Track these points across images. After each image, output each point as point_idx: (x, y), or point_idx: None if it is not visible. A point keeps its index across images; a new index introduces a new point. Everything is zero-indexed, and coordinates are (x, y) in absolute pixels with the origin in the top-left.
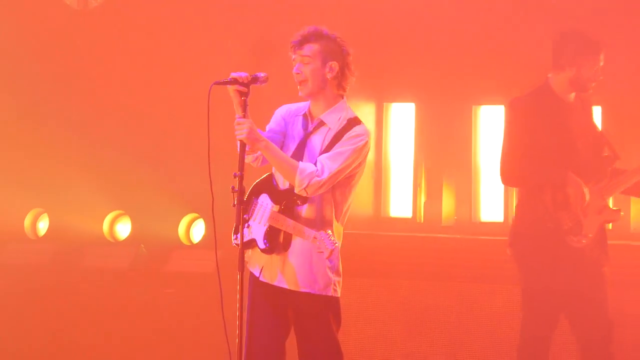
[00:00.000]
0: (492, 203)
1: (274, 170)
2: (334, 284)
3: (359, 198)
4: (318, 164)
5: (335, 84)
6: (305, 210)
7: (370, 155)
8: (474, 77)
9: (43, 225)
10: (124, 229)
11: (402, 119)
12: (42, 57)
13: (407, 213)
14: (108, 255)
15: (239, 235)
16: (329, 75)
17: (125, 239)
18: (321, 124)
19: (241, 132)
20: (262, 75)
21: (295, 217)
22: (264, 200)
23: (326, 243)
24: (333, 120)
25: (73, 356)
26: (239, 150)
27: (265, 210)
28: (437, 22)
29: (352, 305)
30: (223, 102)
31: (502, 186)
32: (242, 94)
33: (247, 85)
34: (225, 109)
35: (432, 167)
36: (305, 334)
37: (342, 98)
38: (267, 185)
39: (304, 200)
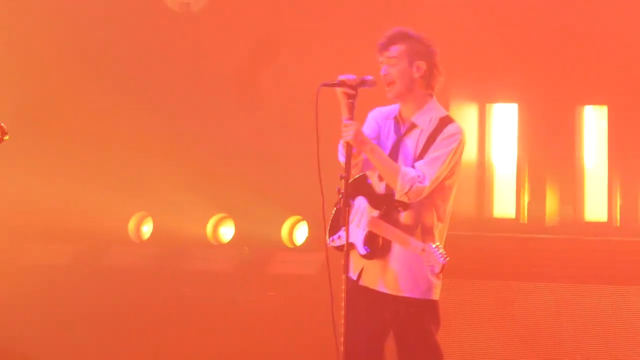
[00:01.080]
0: (596, 203)
1: (368, 172)
2: (435, 287)
3: (463, 199)
4: (417, 170)
5: (423, 84)
6: (404, 216)
7: (474, 156)
8: (577, 77)
9: (147, 229)
10: (227, 231)
11: (505, 119)
12: (136, 61)
13: (510, 213)
14: (212, 258)
15: (335, 237)
16: (416, 75)
17: (229, 241)
18: (413, 126)
19: (348, 134)
20: (369, 78)
21: (395, 222)
22: (361, 203)
23: (437, 257)
24: (424, 121)
25: (179, 358)
26: (344, 152)
27: (363, 214)
28: (539, 20)
29: (456, 307)
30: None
31: (605, 185)
32: (349, 96)
33: (354, 87)
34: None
35: (536, 167)
36: (406, 337)
37: (432, 97)
38: (364, 188)
39: (405, 206)
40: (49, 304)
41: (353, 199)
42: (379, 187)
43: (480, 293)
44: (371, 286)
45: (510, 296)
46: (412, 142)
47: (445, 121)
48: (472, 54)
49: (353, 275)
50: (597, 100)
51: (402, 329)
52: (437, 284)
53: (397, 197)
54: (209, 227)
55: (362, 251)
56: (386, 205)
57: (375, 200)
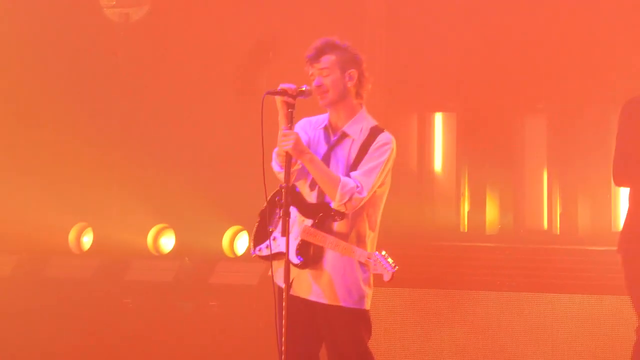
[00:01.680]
0: (536, 211)
1: (297, 182)
2: (367, 297)
3: (404, 208)
4: (355, 180)
5: (354, 92)
6: (338, 226)
7: (414, 165)
8: (516, 86)
9: (87, 240)
10: (168, 242)
11: (444, 128)
12: (81, 72)
13: (451, 222)
14: (152, 268)
15: (263, 247)
16: (349, 84)
17: (170, 252)
18: (344, 135)
19: (288, 144)
20: (306, 88)
21: (328, 232)
22: (291, 212)
23: (385, 266)
24: (356, 130)
25: None
26: (279, 161)
27: (293, 224)
28: (480, 30)
29: (397, 316)
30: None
31: (545, 194)
32: (289, 105)
33: (294, 97)
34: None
35: (475, 176)
36: (338, 346)
37: (362, 107)
38: (293, 198)
39: (342, 216)
40: None
41: (281, 209)
42: (310, 197)
43: (420, 302)
44: (303, 295)
45: (451, 305)
46: (344, 152)
47: (376, 131)
48: (412, 63)
49: (283, 284)
50: (535, 108)
51: (334, 338)
52: (369, 293)
53: (335, 206)
54: (150, 238)
55: (296, 260)
56: (322, 213)
57: (307, 209)
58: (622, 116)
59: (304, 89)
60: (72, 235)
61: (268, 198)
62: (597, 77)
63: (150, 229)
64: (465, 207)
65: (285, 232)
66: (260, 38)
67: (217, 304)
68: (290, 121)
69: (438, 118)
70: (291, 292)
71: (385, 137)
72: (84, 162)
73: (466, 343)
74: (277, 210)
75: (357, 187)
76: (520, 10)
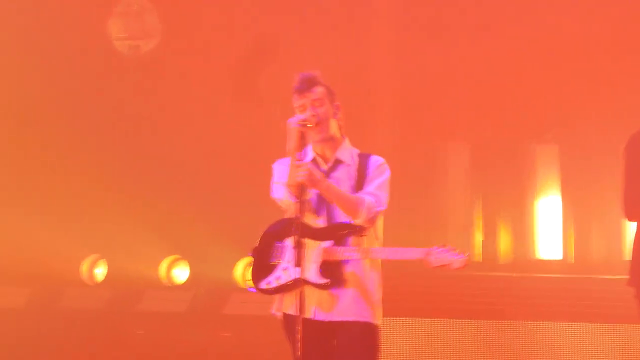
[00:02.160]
0: (551, 240)
1: (293, 214)
2: (379, 311)
3: (416, 237)
4: (370, 196)
5: (339, 124)
6: (354, 241)
7: (427, 195)
8: (528, 117)
9: (100, 271)
10: (181, 273)
11: (457, 159)
12: (92, 95)
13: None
14: (165, 299)
15: (271, 279)
16: (337, 115)
17: (184, 283)
18: (338, 162)
19: (301, 175)
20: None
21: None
22: (289, 243)
23: (452, 255)
24: (347, 157)
25: None
26: (289, 191)
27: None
28: (491, 59)
29: (410, 345)
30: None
31: (560, 224)
32: (302, 135)
33: (306, 127)
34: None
35: (489, 206)
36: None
37: (345, 138)
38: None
39: (364, 230)
40: (4, 347)
41: (281, 241)
42: (317, 223)
43: (435, 332)
44: (325, 318)
45: (466, 334)
46: (343, 176)
47: (365, 156)
48: (423, 93)
49: (309, 313)
50: (548, 139)
51: (353, 355)
52: (380, 309)
53: (359, 222)
54: (162, 269)
55: (321, 281)
56: (346, 231)
57: (321, 233)
58: (628, 149)
59: (309, 125)
60: (85, 267)
61: (262, 234)
62: (608, 105)
63: (163, 260)
64: (479, 237)
65: (301, 262)
66: (258, 40)
67: (230, 335)
68: (301, 152)
69: (450, 148)
70: (312, 317)
71: (378, 158)
72: (97, 193)
73: None
74: (277, 243)
75: (376, 201)
76: (531, 39)
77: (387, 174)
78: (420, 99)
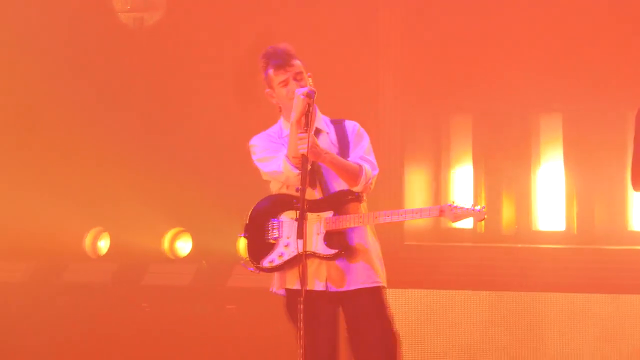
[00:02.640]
0: (553, 211)
1: (288, 188)
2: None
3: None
4: (365, 162)
5: None
6: (352, 207)
7: (431, 166)
8: (532, 86)
9: (104, 244)
10: (184, 245)
11: (461, 130)
12: (98, 76)
13: (467, 224)
14: (169, 272)
15: (274, 257)
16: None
17: (187, 255)
18: (318, 131)
19: (304, 146)
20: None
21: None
22: (285, 218)
23: (469, 210)
24: (324, 126)
25: None
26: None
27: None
28: (495, 29)
29: (413, 316)
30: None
31: (563, 194)
32: (309, 107)
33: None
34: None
35: (492, 176)
36: (372, 330)
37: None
38: (292, 202)
39: (362, 198)
40: (6, 322)
41: (276, 218)
42: (314, 195)
43: (437, 303)
44: (338, 288)
45: (469, 305)
46: (325, 145)
47: (339, 121)
48: (426, 64)
49: (319, 286)
50: (551, 108)
51: (364, 319)
52: (384, 272)
53: (358, 189)
54: (166, 242)
55: (329, 252)
56: (348, 197)
57: (320, 204)
58: (638, 120)
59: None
60: (88, 240)
61: (250, 213)
62: (614, 76)
63: (167, 232)
64: None
65: (304, 235)
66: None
67: (235, 307)
68: (307, 124)
69: (453, 119)
70: (324, 289)
71: (353, 122)
72: (99, 166)
73: (483, 343)
74: (273, 220)
75: (370, 166)
76: (537, 8)
77: (367, 137)
78: (424, 71)
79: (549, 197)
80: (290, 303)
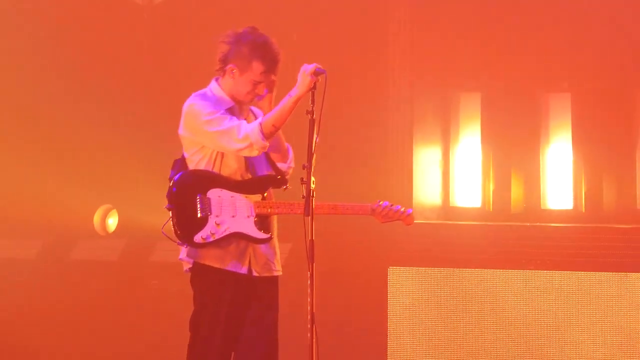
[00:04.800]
0: (561, 190)
1: (214, 166)
2: None
3: (429, 187)
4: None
5: None
6: (272, 193)
7: (438, 145)
8: (540, 65)
9: (112, 222)
10: None
11: (468, 109)
12: (103, 58)
13: (476, 202)
14: (177, 249)
15: (205, 234)
16: None
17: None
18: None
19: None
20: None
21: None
22: (223, 194)
23: (399, 210)
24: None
25: (148, 350)
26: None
27: (234, 203)
28: (503, 8)
29: (421, 294)
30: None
31: (570, 174)
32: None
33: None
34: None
35: (500, 155)
36: (271, 319)
37: None
38: (218, 180)
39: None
40: (15, 298)
41: (204, 193)
42: (243, 175)
43: (446, 281)
44: (266, 274)
45: (477, 284)
46: None
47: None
48: (435, 44)
49: (242, 270)
50: (560, 87)
51: (272, 311)
52: None
53: (287, 170)
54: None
55: (261, 236)
56: (276, 182)
57: (250, 186)
58: None
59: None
60: (97, 218)
61: (174, 185)
62: (621, 55)
63: None
64: (490, 186)
65: (311, 212)
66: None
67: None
68: (313, 101)
69: (461, 98)
70: (254, 274)
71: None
72: (106, 144)
73: (492, 321)
74: (200, 195)
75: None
76: None
77: None
78: (432, 49)
79: (558, 176)
80: (206, 278)
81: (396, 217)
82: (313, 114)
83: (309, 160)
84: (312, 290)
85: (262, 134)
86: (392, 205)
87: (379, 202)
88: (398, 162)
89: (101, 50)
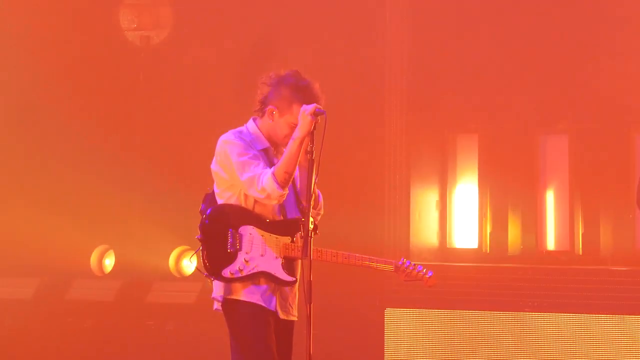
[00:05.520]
0: (559, 232)
1: (245, 203)
2: None
3: (425, 229)
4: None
5: None
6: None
7: (436, 186)
8: (537, 107)
9: (109, 262)
10: (189, 264)
11: (466, 150)
12: (102, 98)
13: (472, 244)
14: (174, 290)
15: (234, 269)
16: None
17: (192, 274)
18: None
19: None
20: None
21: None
22: (254, 232)
23: (421, 272)
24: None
25: None
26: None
27: (264, 242)
28: (501, 50)
29: (418, 335)
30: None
31: (568, 215)
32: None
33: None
34: None
35: (497, 196)
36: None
37: None
38: (251, 217)
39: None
40: (12, 338)
41: (236, 229)
42: (276, 216)
43: (444, 322)
44: (286, 317)
45: (474, 325)
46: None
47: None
48: (433, 84)
49: (272, 306)
50: (558, 129)
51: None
52: None
53: (316, 216)
54: (172, 260)
55: (288, 278)
56: (299, 229)
57: (277, 227)
58: None
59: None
60: (93, 258)
61: (208, 214)
62: (619, 97)
63: (172, 251)
64: (488, 228)
65: (309, 243)
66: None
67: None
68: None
69: (459, 139)
70: (280, 315)
71: None
72: (105, 184)
73: None
74: (230, 230)
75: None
76: (541, 30)
77: None
78: (430, 91)
79: (555, 218)
80: (239, 312)
81: (418, 278)
82: (312, 154)
83: (308, 200)
84: (309, 331)
85: (277, 183)
86: (414, 265)
87: (403, 259)
88: (395, 203)
89: (99, 90)
